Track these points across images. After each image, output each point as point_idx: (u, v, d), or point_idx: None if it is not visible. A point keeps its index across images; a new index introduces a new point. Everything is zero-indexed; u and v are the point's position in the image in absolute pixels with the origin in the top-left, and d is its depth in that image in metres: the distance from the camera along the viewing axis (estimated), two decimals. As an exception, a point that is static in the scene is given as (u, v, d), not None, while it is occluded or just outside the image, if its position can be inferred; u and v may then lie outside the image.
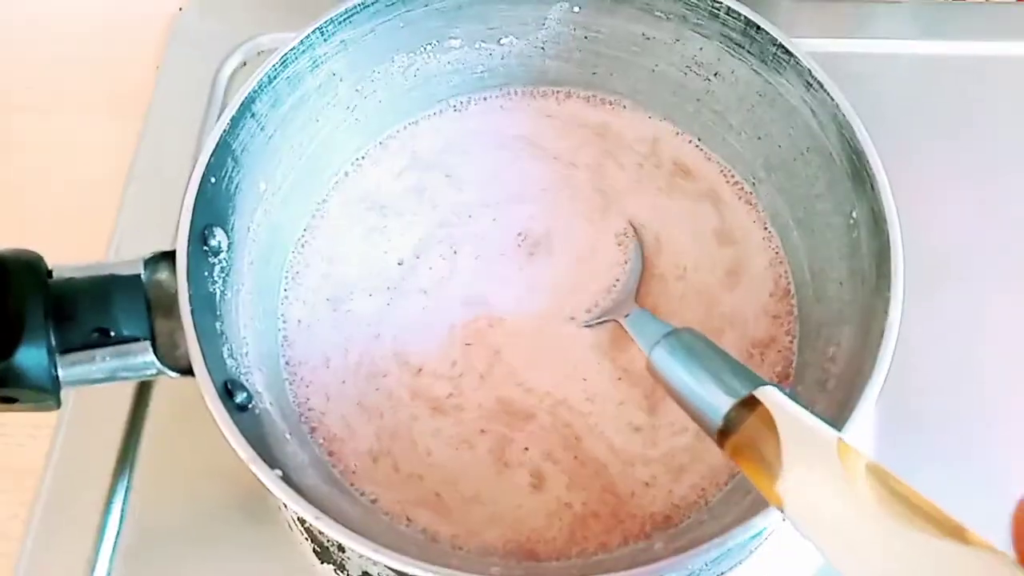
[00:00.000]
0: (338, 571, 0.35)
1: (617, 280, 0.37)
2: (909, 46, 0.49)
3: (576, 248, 0.38)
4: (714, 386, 0.27)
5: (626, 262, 0.38)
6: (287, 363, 0.36)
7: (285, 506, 0.28)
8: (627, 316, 0.35)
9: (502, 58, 0.40)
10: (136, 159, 0.45)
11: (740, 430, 0.26)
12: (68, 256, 0.45)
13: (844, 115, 0.32)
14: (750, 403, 0.26)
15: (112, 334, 0.28)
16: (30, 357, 0.26)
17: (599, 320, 0.36)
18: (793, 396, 0.26)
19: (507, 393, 0.35)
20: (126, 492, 0.38)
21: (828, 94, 0.33)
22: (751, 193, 0.39)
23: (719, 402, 0.26)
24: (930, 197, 0.44)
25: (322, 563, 0.35)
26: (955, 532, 0.20)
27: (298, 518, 0.35)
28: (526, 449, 0.34)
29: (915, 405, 0.39)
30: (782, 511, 0.24)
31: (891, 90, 0.48)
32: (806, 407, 0.25)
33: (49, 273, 0.28)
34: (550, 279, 0.38)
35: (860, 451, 0.23)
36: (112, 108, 0.48)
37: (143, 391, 0.40)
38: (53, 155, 0.47)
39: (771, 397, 0.26)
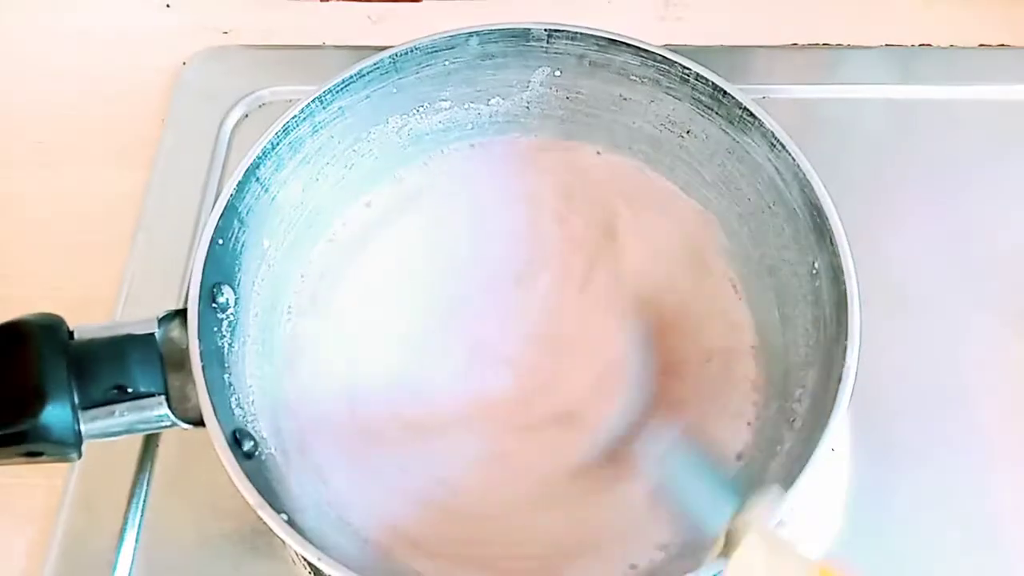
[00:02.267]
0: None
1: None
2: (879, 90, 0.52)
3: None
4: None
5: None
6: (290, 408, 0.38)
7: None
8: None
9: (490, 116, 0.43)
10: (144, 209, 0.48)
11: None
12: (77, 305, 0.47)
13: (804, 174, 0.35)
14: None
15: (129, 390, 0.30)
16: (55, 415, 0.29)
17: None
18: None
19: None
20: (138, 531, 0.40)
21: (790, 154, 0.35)
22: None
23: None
24: (901, 237, 0.46)
25: (325, 598, 0.38)
26: None
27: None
28: None
29: (888, 433, 0.41)
30: None
31: (863, 133, 0.51)
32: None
33: (71, 334, 0.31)
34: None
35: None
36: (119, 160, 0.50)
37: (152, 433, 0.42)
38: (62, 207, 0.49)
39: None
